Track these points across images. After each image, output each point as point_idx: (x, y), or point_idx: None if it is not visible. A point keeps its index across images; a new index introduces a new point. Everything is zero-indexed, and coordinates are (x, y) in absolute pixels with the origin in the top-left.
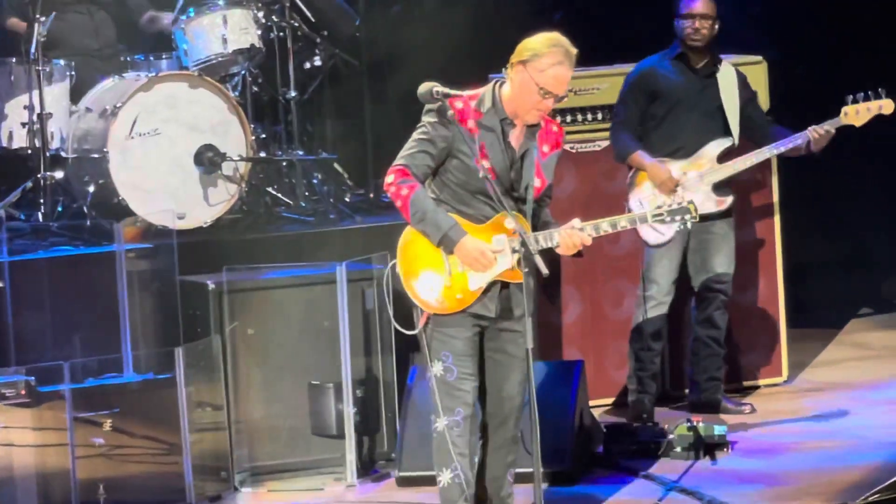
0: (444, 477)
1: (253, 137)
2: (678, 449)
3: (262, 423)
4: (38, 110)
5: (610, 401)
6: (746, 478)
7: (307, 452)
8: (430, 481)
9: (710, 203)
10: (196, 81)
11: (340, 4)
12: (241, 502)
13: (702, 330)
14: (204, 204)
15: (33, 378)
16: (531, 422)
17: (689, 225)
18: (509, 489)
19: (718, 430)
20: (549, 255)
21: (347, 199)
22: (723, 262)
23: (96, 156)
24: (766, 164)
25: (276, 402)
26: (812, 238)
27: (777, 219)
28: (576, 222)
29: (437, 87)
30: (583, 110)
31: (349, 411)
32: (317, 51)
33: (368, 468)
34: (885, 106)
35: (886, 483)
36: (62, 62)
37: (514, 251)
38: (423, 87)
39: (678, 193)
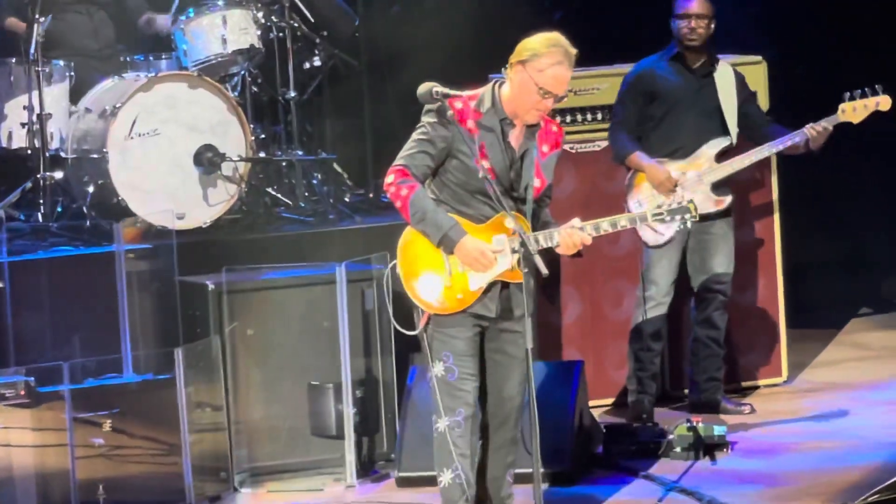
0: (445, 477)
1: (252, 138)
2: (678, 449)
3: (262, 423)
4: (37, 111)
5: (610, 401)
6: (746, 478)
7: (307, 453)
8: (430, 482)
9: (709, 203)
10: (195, 82)
11: (340, 5)
12: (240, 503)
13: (701, 330)
14: (203, 204)
15: (33, 378)
16: (531, 422)
17: (689, 224)
18: (509, 489)
19: (718, 430)
20: (549, 255)
21: (347, 200)
22: (722, 262)
23: (96, 156)
24: (765, 163)
25: (276, 403)
26: (812, 238)
27: (777, 218)
28: (576, 222)
29: (437, 88)
30: (582, 110)
31: (349, 412)
32: (316, 51)
33: (368, 469)
34: (882, 102)
35: (886, 483)
36: (62, 63)
37: (513, 251)
38: (423, 88)
39: (677, 194)
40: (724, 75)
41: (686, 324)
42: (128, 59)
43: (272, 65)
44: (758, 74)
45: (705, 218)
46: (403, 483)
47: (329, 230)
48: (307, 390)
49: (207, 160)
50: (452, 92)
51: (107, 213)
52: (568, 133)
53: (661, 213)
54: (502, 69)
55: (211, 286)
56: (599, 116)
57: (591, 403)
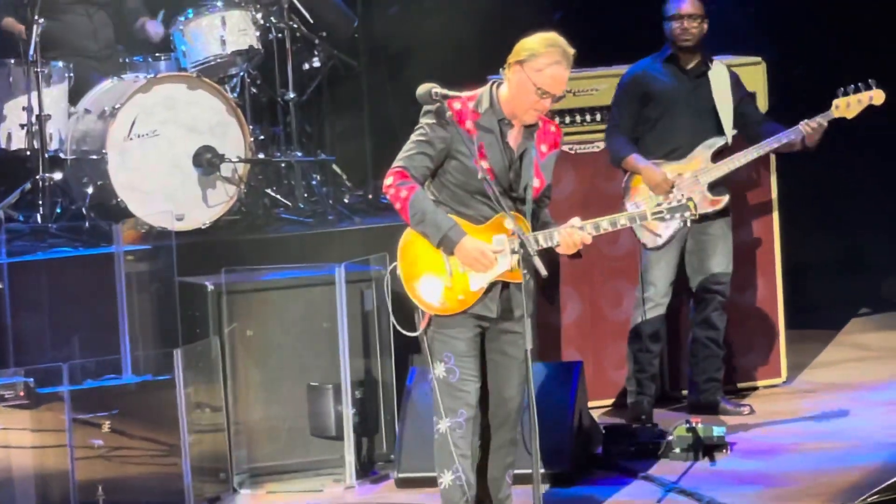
0: (446, 479)
1: (251, 139)
2: (677, 450)
3: (261, 424)
4: (36, 112)
5: (609, 402)
6: (745, 479)
7: (306, 454)
8: (430, 482)
9: (706, 203)
10: (195, 83)
11: (339, 6)
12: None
13: (700, 331)
14: (203, 205)
15: (32, 379)
16: (530, 423)
17: (688, 223)
18: (508, 490)
19: (717, 431)
20: (549, 255)
21: (346, 201)
22: (720, 263)
23: (95, 157)
24: (764, 163)
25: (275, 404)
26: (811, 238)
27: (776, 218)
28: (576, 221)
29: (436, 89)
30: (581, 111)
31: (348, 412)
32: (315, 52)
33: (367, 469)
34: (875, 96)
35: (886, 484)
36: (61, 63)
37: (513, 252)
38: (422, 89)
39: (674, 195)
40: (718, 75)
41: (685, 325)
42: (127, 60)
43: (271, 66)
44: (757, 75)
45: (703, 218)
46: (403, 484)
47: (328, 231)
48: (306, 391)
49: (206, 161)
50: (451, 93)
51: (106, 214)
52: (567, 134)
53: (660, 211)
54: (500, 69)
55: (210, 287)
56: (598, 117)
57: (590, 404)
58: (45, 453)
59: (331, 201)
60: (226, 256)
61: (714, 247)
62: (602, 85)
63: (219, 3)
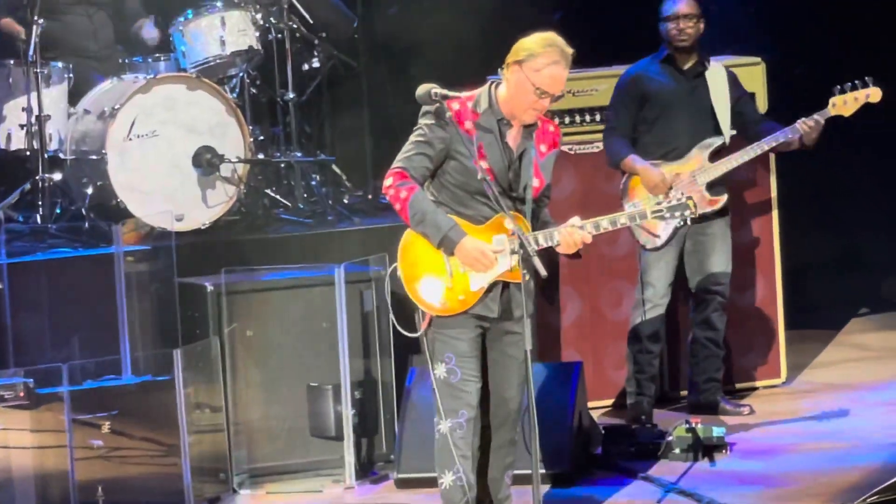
0: (446, 479)
1: (251, 139)
2: (677, 450)
3: (261, 424)
4: (36, 112)
5: (609, 402)
6: (745, 479)
7: (306, 454)
8: (429, 483)
9: (704, 203)
10: (194, 83)
11: (338, 6)
12: None
13: (700, 331)
14: (202, 206)
15: (32, 380)
16: (530, 423)
17: (688, 221)
18: (507, 491)
19: (717, 431)
20: (548, 256)
21: (346, 201)
22: (720, 263)
23: (95, 157)
24: (763, 163)
25: (275, 404)
26: (811, 238)
27: (775, 218)
28: (576, 220)
29: (436, 89)
30: (581, 111)
31: (348, 413)
32: (315, 52)
33: (367, 470)
34: (872, 94)
35: (886, 484)
36: (60, 64)
37: (513, 252)
38: (422, 89)
39: (672, 195)
40: (715, 75)
41: (685, 325)
42: (126, 60)
43: (271, 66)
44: (756, 76)
45: (702, 218)
46: (402, 484)
47: (328, 231)
48: (306, 391)
49: (206, 161)
50: (451, 93)
51: (106, 215)
52: (566, 134)
53: (660, 210)
54: (499, 70)
55: (210, 287)
56: (598, 117)
57: (590, 404)
58: (45, 454)
59: (330, 202)
60: (226, 257)
61: (713, 247)
62: (601, 85)
63: (218, 4)
